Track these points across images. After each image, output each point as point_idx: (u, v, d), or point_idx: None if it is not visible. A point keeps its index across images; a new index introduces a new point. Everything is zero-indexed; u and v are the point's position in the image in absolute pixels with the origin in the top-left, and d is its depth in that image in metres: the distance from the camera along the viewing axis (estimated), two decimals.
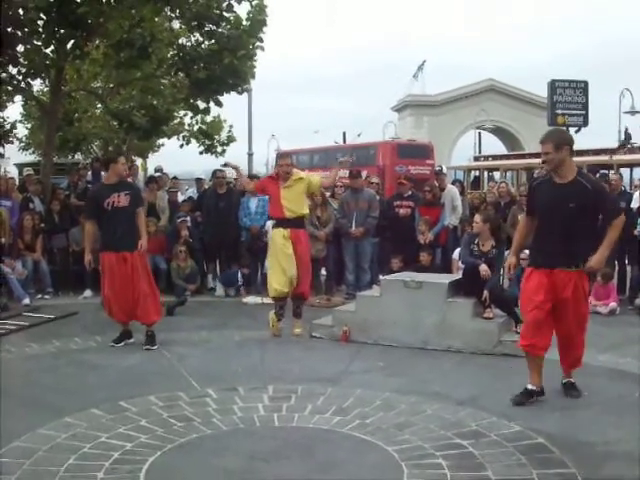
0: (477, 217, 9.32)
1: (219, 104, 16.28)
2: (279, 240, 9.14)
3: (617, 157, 24.11)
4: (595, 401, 6.43)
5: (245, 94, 20.53)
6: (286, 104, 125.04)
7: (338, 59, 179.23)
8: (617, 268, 12.30)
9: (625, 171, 21.84)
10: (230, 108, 21.35)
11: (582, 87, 37.50)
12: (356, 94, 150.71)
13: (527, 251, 11.49)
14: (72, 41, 14.06)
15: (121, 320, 8.73)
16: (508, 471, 4.75)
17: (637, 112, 37.04)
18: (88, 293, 12.00)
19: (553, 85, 37.47)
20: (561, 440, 5.27)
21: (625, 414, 6.01)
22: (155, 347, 8.43)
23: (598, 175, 14.52)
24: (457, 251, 11.38)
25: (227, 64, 14.83)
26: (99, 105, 24.02)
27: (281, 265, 9.11)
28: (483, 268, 8.71)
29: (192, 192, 17.20)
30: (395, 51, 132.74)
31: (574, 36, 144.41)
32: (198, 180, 16.26)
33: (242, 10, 15.02)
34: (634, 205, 11.95)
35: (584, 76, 38.59)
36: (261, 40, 15.38)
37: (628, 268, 12.36)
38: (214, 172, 14.04)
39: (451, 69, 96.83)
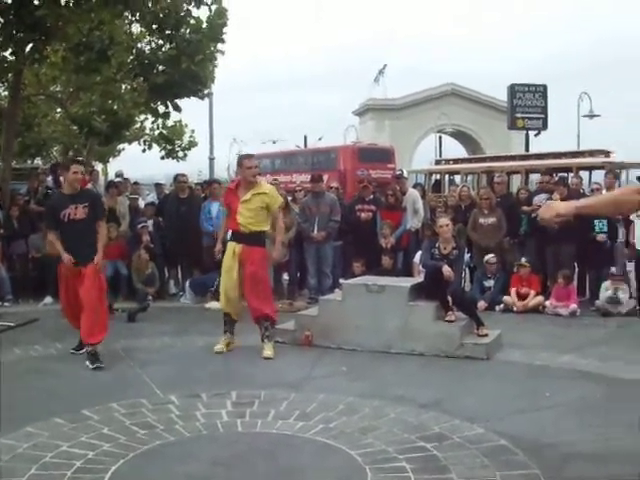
0: (444, 220, 9.35)
1: (178, 109, 16.24)
2: (228, 258, 8.58)
3: (577, 160, 24.35)
4: (557, 402, 6.49)
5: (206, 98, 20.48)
6: (251, 107, 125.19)
7: (302, 62, 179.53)
8: (577, 270, 12.46)
9: (584, 174, 22.05)
10: (192, 113, 21.37)
11: (541, 91, 38.04)
12: (320, 97, 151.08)
13: (491, 255, 11.70)
14: (30, 44, 13.93)
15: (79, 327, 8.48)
16: (472, 473, 4.79)
17: (595, 116, 37.46)
18: (48, 300, 11.85)
19: (513, 89, 37.96)
20: (524, 441, 5.32)
21: (587, 415, 6.09)
22: (102, 365, 7.80)
23: (557, 178, 14.71)
24: (418, 254, 11.45)
25: (185, 69, 14.79)
26: (59, 110, 23.81)
27: (225, 285, 8.73)
28: (446, 269, 8.77)
29: (152, 197, 17.08)
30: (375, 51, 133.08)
31: (536, 43, 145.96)
32: (157, 185, 16.19)
33: (203, 14, 15.02)
34: None
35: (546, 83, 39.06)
36: (222, 41, 15.37)
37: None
38: (176, 177, 14.00)
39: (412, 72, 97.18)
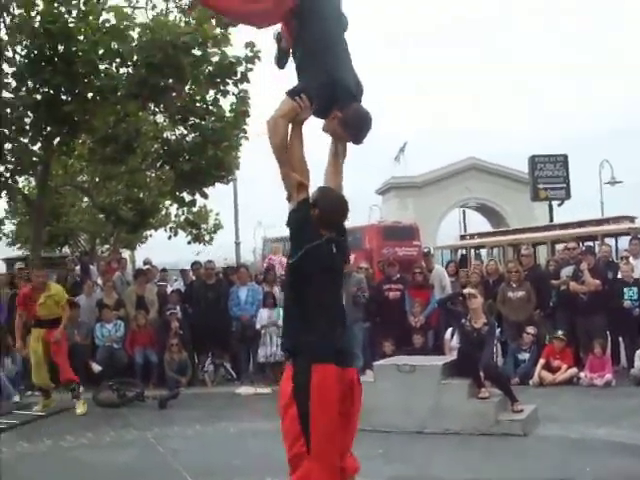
0: (473, 291, 9.30)
1: (205, 196, 16.42)
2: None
3: (602, 227, 24.30)
4: (598, 477, 6.37)
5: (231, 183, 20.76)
6: (273, 190, 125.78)
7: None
8: (609, 339, 12.30)
9: (610, 241, 21.90)
10: (216, 196, 21.51)
11: (562, 161, 38.10)
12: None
13: (530, 327, 11.56)
14: (58, 138, 14.24)
15: None
16: None
17: (617, 182, 37.34)
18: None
19: (533, 160, 38.07)
20: None
21: None
22: None
23: (583, 247, 14.66)
24: (449, 331, 11.38)
25: (211, 156, 15.00)
26: (85, 199, 24.19)
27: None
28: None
29: (179, 283, 17.14)
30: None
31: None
32: (183, 271, 16.26)
33: (226, 102, 15.26)
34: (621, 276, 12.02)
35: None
36: (245, 131, 15.60)
37: (620, 339, 12.37)
38: (193, 263, 14.33)
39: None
